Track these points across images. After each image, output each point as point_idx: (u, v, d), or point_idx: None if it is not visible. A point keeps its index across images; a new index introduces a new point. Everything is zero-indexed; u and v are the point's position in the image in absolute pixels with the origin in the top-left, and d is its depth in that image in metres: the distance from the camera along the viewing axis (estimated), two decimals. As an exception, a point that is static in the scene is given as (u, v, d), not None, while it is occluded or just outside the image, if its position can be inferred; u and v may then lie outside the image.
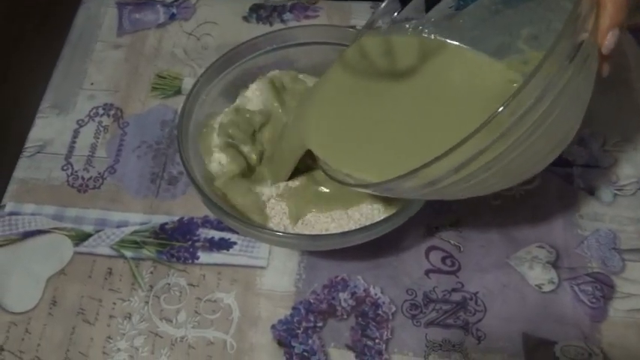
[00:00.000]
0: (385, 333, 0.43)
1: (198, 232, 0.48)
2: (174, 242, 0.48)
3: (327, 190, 0.45)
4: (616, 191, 0.49)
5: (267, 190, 0.45)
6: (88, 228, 0.49)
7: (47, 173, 0.52)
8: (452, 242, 0.47)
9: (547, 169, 0.35)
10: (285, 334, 0.44)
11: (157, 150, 0.53)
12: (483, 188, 0.33)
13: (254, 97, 0.48)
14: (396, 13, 0.42)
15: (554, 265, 0.46)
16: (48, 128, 0.55)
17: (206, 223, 0.49)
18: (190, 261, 0.47)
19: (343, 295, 0.45)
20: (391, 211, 0.42)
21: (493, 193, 0.46)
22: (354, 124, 0.41)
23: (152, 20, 0.61)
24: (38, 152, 0.53)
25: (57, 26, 0.63)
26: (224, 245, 0.48)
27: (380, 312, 0.44)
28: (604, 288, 0.45)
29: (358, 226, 0.42)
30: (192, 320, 0.44)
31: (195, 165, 0.43)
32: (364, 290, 0.45)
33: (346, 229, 0.42)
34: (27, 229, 0.49)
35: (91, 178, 0.52)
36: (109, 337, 0.44)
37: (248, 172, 0.46)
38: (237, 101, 0.49)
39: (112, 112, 0.55)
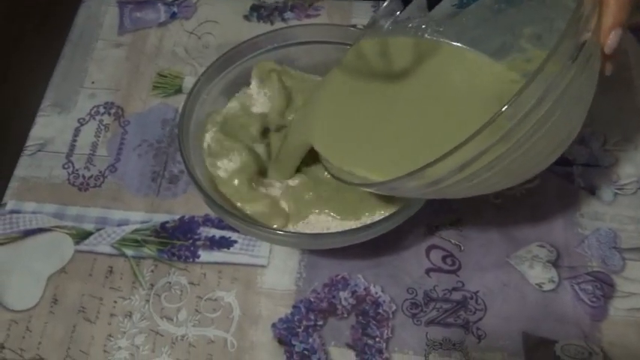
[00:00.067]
0: (385, 332, 0.43)
1: (199, 231, 0.48)
2: (175, 241, 0.48)
3: (326, 192, 0.45)
4: (616, 190, 0.49)
5: (275, 191, 0.45)
6: (88, 226, 0.49)
7: (48, 171, 0.52)
8: (452, 241, 0.47)
9: (547, 169, 0.35)
10: (285, 333, 0.44)
11: (157, 149, 0.53)
12: (485, 187, 0.33)
13: (259, 96, 0.48)
14: (398, 12, 0.42)
15: (555, 264, 0.46)
16: (49, 127, 0.55)
17: (207, 221, 0.49)
18: (191, 259, 0.47)
19: (344, 294, 0.45)
20: (391, 210, 0.43)
21: (494, 192, 0.46)
22: (356, 124, 0.41)
23: (153, 19, 0.61)
24: (39, 150, 0.53)
25: (57, 26, 0.63)
26: (225, 244, 0.48)
27: (380, 311, 0.44)
28: (604, 287, 0.45)
29: (359, 225, 0.42)
30: (192, 319, 0.45)
31: (196, 164, 0.43)
32: (365, 289, 0.45)
33: (347, 228, 0.42)
34: (28, 228, 0.49)
35: (91, 176, 0.52)
36: (110, 336, 0.44)
37: (256, 176, 0.45)
38: (240, 99, 0.49)
39: (112, 111, 0.55)
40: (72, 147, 0.53)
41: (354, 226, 0.42)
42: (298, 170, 0.45)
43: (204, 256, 0.47)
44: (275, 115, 0.48)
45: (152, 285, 0.46)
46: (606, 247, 0.46)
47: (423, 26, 0.43)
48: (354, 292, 0.45)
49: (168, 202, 0.50)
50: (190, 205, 0.50)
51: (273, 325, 0.44)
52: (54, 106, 0.56)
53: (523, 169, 0.33)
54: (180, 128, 0.43)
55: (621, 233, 0.47)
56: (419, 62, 0.42)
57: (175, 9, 0.62)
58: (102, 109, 0.55)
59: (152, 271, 0.47)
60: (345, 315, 0.44)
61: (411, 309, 0.44)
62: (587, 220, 0.48)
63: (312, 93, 0.44)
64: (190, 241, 0.48)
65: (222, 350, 0.43)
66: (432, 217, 0.48)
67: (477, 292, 0.45)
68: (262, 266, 0.47)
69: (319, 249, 0.47)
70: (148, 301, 0.45)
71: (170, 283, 0.46)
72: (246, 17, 0.61)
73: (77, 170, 0.52)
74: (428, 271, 0.46)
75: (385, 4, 0.42)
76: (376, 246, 0.45)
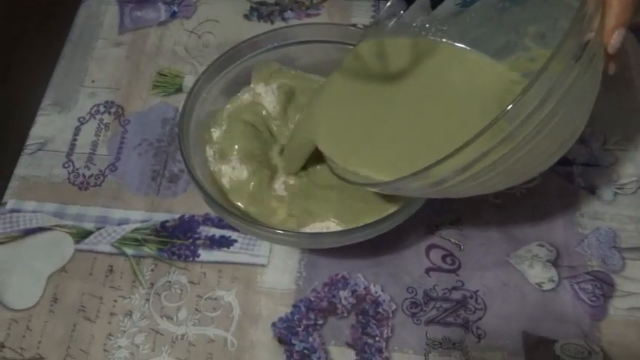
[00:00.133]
0: (385, 331, 0.43)
1: (199, 230, 0.48)
2: (175, 240, 0.48)
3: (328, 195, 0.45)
4: (616, 190, 0.49)
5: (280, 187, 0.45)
6: (89, 225, 0.49)
7: (48, 171, 0.52)
8: (452, 240, 0.47)
9: (548, 168, 0.35)
10: (285, 332, 0.44)
11: (158, 148, 0.53)
12: (489, 187, 0.33)
13: (266, 95, 0.48)
14: (402, 11, 0.42)
15: (555, 263, 0.46)
16: (49, 126, 0.55)
17: (207, 220, 0.49)
18: (191, 259, 0.47)
19: (344, 293, 0.45)
20: (392, 209, 0.42)
21: (494, 192, 0.46)
22: (360, 124, 0.41)
23: (153, 18, 0.61)
24: (39, 150, 0.53)
25: (57, 26, 0.63)
26: (225, 243, 0.48)
27: (380, 310, 0.44)
28: (604, 286, 0.45)
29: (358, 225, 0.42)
30: (192, 318, 0.45)
31: (197, 163, 0.43)
32: (364, 288, 0.45)
33: (346, 228, 0.42)
34: (28, 227, 0.49)
35: (92, 175, 0.52)
36: (110, 335, 0.44)
37: (265, 183, 0.45)
38: (245, 95, 0.49)
39: (113, 110, 0.55)
40: (72, 146, 0.53)
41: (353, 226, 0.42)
42: (304, 168, 0.46)
43: (204, 255, 0.47)
44: (279, 114, 0.48)
45: (152, 284, 0.46)
46: (606, 247, 0.46)
47: (427, 25, 0.43)
48: (354, 292, 0.45)
49: (169, 201, 0.50)
50: (190, 204, 0.50)
51: (273, 325, 0.44)
52: (54, 105, 0.56)
53: (526, 168, 0.33)
54: (180, 127, 0.43)
55: (621, 233, 0.47)
56: (421, 63, 0.42)
57: (175, 8, 0.62)
58: (102, 108, 0.55)
59: (152, 270, 0.47)
60: (345, 314, 0.44)
61: (411, 308, 0.44)
62: (587, 219, 0.48)
63: (316, 92, 0.44)
64: (190, 240, 0.48)
65: (222, 349, 0.43)
66: (432, 216, 0.48)
67: (477, 291, 0.45)
68: (262, 265, 0.47)
69: (319, 248, 0.47)
70: (148, 300, 0.45)
71: (170, 282, 0.46)
72: (247, 16, 0.61)
73: (77, 169, 0.52)
74: (428, 271, 0.46)
75: (388, 4, 0.42)
76: (376, 245, 0.45)
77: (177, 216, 0.49)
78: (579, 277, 0.45)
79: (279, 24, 0.60)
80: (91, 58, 0.59)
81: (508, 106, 0.26)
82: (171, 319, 0.45)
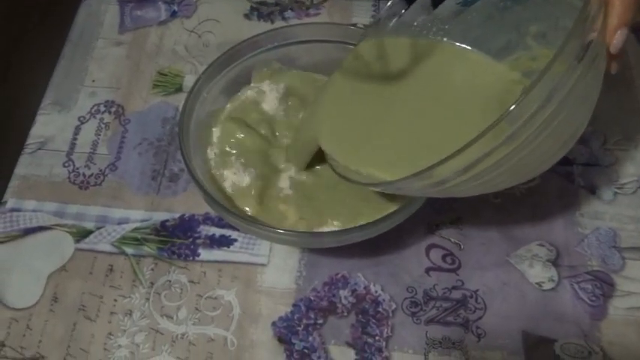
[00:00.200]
0: (385, 330, 0.44)
1: (199, 229, 0.48)
2: (175, 239, 0.48)
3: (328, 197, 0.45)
4: (616, 190, 0.49)
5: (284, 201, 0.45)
6: (89, 225, 0.49)
7: (48, 170, 0.52)
8: (452, 240, 0.47)
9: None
10: (285, 331, 0.44)
11: (158, 147, 0.53)
12: (490, 187, 0.33)
13: (269, 94, 0.48)
14: (403, 10, 0.42)
15: (555, 263, 0.46)
16: (49, 125, 0.55)
17: (207, 220, 0.49)
18: (191, 258, 0.47)
19: (343, 293, 0.45)
20: (391, 208, 0.43)
21: (494, 192, 0.46)
22: (362, 123, 0.41)
23: (154, 17, 0.61)
24: (39, 149, 0.53)
25: (57, 25, 0.63)
26: (225, 242, 0.48)
27: (380, 309, 0.44)
28: (604, 286, 0.45)
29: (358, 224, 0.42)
30: (192, 317, 0.45)
31: (197, 162, 0.44)
32: (364, 288, 0.45)
33: (346, 227, 0.42)
34: (28, 226, 0.49)
35: (92, 174, 0.52)
36: (110, 334, 0.44)
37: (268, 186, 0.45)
38: (246, 94, 0.49)
39: (113, 109, 0.55)
40: (72, 145, 0.53)
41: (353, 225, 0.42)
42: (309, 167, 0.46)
43: (205, 254, 0.47)
44: (281, 112, 0.48)
45: (152, 283, 0.46)
46: (606, 247, 0.46)
47: (428, 25, 0.43)
48: (354, 291, 0.45)
49: (169, 200, 0.50)
50: (190, 203, 0.50)
51: (273, 324, 0.44)
52: (54, 104, 0.56)
53: (529, 168, 0.33)
54: (180, 127, 0.43)
55: (621, 232, 0.47)
56: (421, 63, 0.42)
57: (176, 7, 0.62)
58: (102, 108, 0.55)
59: (152, 269, 0.47)
60: (345, 313, 0.44)
61: (411, 308, 0.44)
62: (587, 219, 0.48)
63: (320, 91, 0.44)
64: (190, 239, 0.48)
65: (222, 348, 0.43)
66: (432, 215, 0.48)
67: (477, 290, 0.45)
68: (262, 265, 0.47)
69: (319, 248, 0.47)
70: (148, 299, 0.45)
71: (170, 281, 0.46)
72: (247, 16, 0.61)
73: (77, 168, 0.52)
74: (428, 270, 0.46)
75: (389, 4, 0.42)
76: (376, 245, 0.45)
77: (177, 215, 0.49)
78: (579, 277, 0.45)
79: (279, 23, 0.60)
80: (92, 58, 0.59)
81: (511, 106, 0.26)
82: (172, 318, 0.45)
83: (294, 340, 0.43)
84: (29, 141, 0.54)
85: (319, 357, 0.43)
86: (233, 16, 0.61)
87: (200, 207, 0.49)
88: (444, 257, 0.46)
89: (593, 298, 0.44)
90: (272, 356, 0.43)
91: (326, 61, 0.48)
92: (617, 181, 0.49)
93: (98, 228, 0.49)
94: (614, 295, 0.44)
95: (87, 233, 0.48)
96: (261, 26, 0.60)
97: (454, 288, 0.45)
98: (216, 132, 0.47)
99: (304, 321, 0.44)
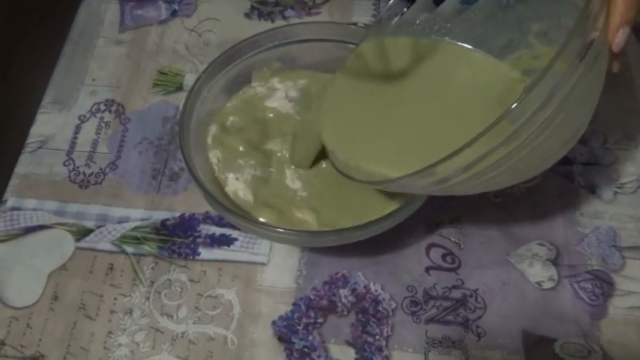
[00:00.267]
0: (385, 329, 0.44)
1: (200, 228, 0.48)
2: (176, 238, 0.48)
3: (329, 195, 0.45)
4: (616, 189, 0.49)
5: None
6: (89, 223, 0.49)
7: (49, 169, 0.52)
8: (452, 239, 0.47)
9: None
10: (285, 330, 0.44)
11: (158, 146, 0.53)
12: (491, 185, 0.33)
13: (270, 93, 0.48)
14: (405, 9, 0.42)
15: (554, 262, 0.46)
16: (50, 124, 0.55)
17: (207, 219, 0.49)
18: (191, 257, 0.47)
19: (344, 292, 0.45)
20: (392, 207, 0.43)
21: (494, 191, 0.46)
22: (362, 122, 0.41)
23: (154, 16, 0.61)
24: (40, 148, 0.53)
25: (57, 24, 0.63)
26: (225, 241, 0.48)
27: (380, 308, 0.44)
28: (604, 285, 0.45)
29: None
30: (193, 316, 0.45)
31: (197, 161, 0.44)
32: (364, 287, 0.45)
33: (347, 226, 0.42)
34: (28, 225, 0.49)
35: (92, 173, 0.52)
36: (110, 333, 0.44)
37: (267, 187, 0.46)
38: (246, 94, 0.49)
39: (113, 108, 0.55)
40: (72, 144, 0.53)
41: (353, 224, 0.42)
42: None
43: (205, 253, 0.47)
44: (284, 111, 0.48)
45: (152, 282, 0.46)
46: (606, 246, 0.46)
47: (430, 23, 0.43)
48: (354, 290, 0.45)
49: (169, 199, 0.50)
50: (191, 202, 0.50)
51: (273, 323, 0.44)
52: (54, 103, 0.56)
53: (530, 166, 0.33)
54: (181, 126, 0.43)
55: (621, 232, 0.47)
56: (423, 62, 0.42)
57: (176, 6, 0.62)
58: (102, 107, 0.56)
59: (152, 268, 0.47)
60: (345, 313, 0.44)
61: (411, 307, 0.44)
62: (586, 218, 0.48)
63: (323, 88, 0.45)
64: (191, 238, 0.48)
65: (223, 347, 0.43)
66: (432, 215, 0.48)
67: (477, 290, 0.45)
68: (262, 264, 0.47)
69: (319, 247, 0.47)
70: (148, 298, 0.45)
71: (170, 280, 0.46)
72: (247, 15, 0.61)
73: (78, 167, 0.52)
74: (428, 269, 0.46)
75: (390, 2, 0.42)
76: (376, 244, 0.45)
77: (177, 214, 0.49)
78: (579, 276, 0.45)
79: (279, 23, 0.60)
80: (92, 57, 0.59)
81: (513, 104, 0.26)
82: (172, 317, 0.45)
83: (294, 339, 0.43)
84: (29, 140, 0.54)
85: (319, 356, 0.43)
86: (233, 15, 0.61)
87: (200, 206, 0.49)
88: (444, 256, 0.46)
89: (593, 298, 0.44)
90: (272, 355, 0.43)
91: (326, 60, 0.48)
92: (617, 181, 0.49)
93: (98, 227, 0.49)
94: (614, 294, 0.44)
95: (87, 232, 0.48)
96: (261, 25, 0.60)
97: (454, 287, 0.45)
98: (216, 132, 0.47)
99: (304, 320, 0.44)
